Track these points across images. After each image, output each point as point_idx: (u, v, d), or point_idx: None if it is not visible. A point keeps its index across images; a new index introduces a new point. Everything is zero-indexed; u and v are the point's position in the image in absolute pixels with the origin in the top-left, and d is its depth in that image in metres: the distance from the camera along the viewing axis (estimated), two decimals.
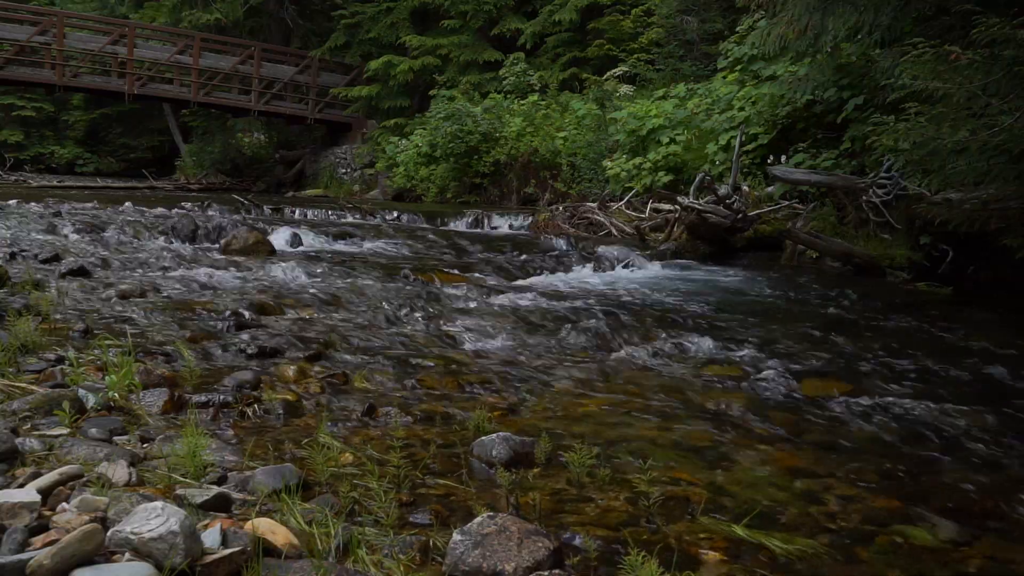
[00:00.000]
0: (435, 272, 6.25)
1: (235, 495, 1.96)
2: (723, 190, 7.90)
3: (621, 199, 10.24)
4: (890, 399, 3.32)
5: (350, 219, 10.84)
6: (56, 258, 5.58)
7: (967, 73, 4.27)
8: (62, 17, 17.86)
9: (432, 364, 3.56)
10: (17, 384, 2.65)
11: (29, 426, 2.32)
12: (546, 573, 1.67)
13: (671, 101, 11.17)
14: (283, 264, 6.10)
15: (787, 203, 8.25)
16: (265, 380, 3.06)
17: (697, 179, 8.18)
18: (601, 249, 7.76)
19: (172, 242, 7.42)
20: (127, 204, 10.05)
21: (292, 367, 3.24)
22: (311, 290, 5.17)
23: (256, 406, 2.77)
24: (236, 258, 6.45)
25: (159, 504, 1.56)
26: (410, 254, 7.65)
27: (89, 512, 1.65)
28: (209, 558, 1.52)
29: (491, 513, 1.83)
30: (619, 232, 9.20)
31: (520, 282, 6.30)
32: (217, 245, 7.30)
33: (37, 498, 1.65)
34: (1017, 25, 4.06)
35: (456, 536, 1.75)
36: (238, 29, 20.99)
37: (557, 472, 2.36)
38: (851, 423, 3.06)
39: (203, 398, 2.77)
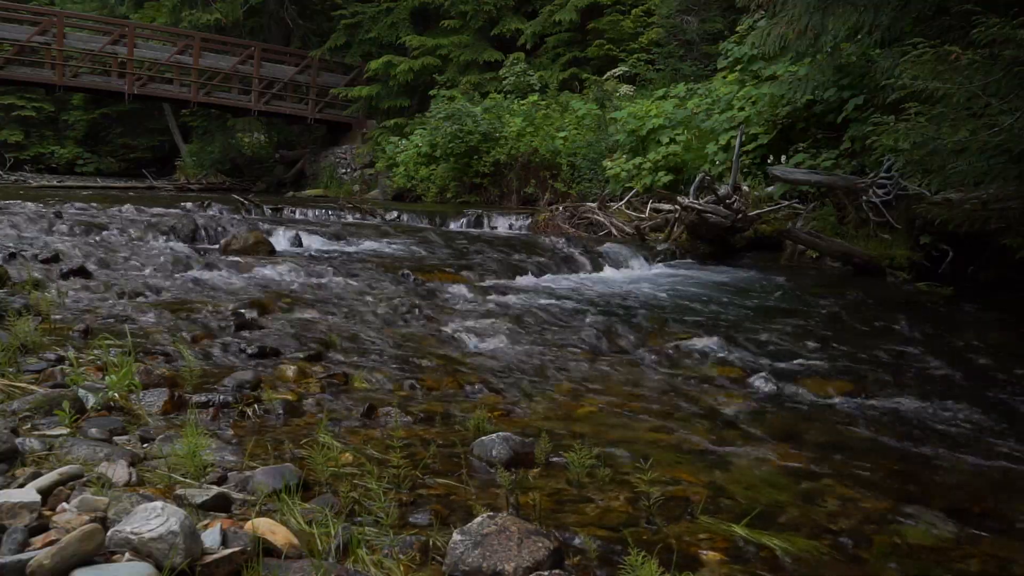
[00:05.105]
0: (435, 272, 6.25)
1: (235, 495, 1.96)
2: (723, 190, 7.90)
3: (621, 199, 10.24)
4: (890, 399, 3.32)
5: (350, 219, 10.84)
6: (56, 258, 5.58)
7: (967, 73, 4.27)
8: (62, 17, 17.86)
9: (432, 364, 3.56)
10: (17, 384, 2.65)
11: (29, 426, 2.32)
12: (546, 573, 1.67)
13: (671, 101, 11.17)
14: (283, 264, 6.10)
15: (787, 203, 8.25)
16: (265, 380, 3.06)
17: (697, 179, 8.18)
18: (601, 249, 7.76)
19: (172, 242, 7.42)
20: (127, 204, 10.05)
21: (292, 367, 3.24)
22: (311, 290, 5.17)
23: (256, 406, 2.77)
24: (236, 258, 6.44)
25: (159, 504, 1.56)
26: (410, 254, 7.65)
27: (89, 512, 1.65)
28: (209, 558, 1.52)
29: (491, 513, 1.83)
30: (619, 232, 9.20)
31: (520, 282, 6.30)
32: (217, 245, 7.29)
33: (37, 498, 1.65)
34: (1017, 25, 4.06)
35: (456, 536, 1.75)
36: (238, 29, 20.98)
37: (557, 472, 2.36)
38: (851, 423, 3.06)
39: (203, 398, 2.77)
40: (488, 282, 6.07)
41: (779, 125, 8.96)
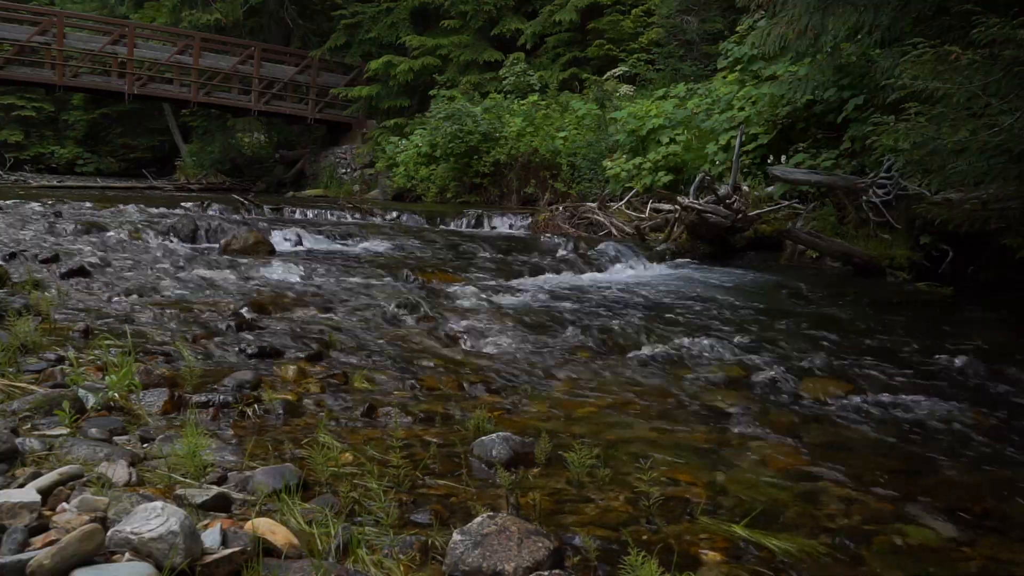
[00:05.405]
0: (435, 272, 6.25)
1: (235, 495, 1.96)
2: (723, 190, 7.90)
3: (621, 199, 10.24)
4: (890, 399, 3.32)
5: (350, 219, 10.84)
6: (56, 258, 5.58)
7: (967, 73, 4.27)
8: (62, 17, 17.86)
9: (432, 364, 3.56)
10: (17, 384, 2.65)
11: (29, 426, 2.32)
12: (546, 573, 1.67)
13: (671, 101, 11.17)
14: (283, 264, 6.10)
15: (787, 203, 8.25)
16: (265, 380, 3.06)
17: (697, 179, 8.18)
18: (601, 249, 7.76)
19: (172, 242, 7.42)
20: (127, 204, 10.04)
21: (292, 367, 3.24)
22: (311, 290, 5.17)
23: (256, 406, 2.76)
24: (236, 258, 6.44)
25: (159, 504, 1.56)
26: (410, 254, 7.65)
27: (89, 512, 1.65)
28: (209, 558, 1.52)
29: (491, 513, 1.83)
30: (619, 232, 9.20)
31: (520, 282, 6.30)
32: (217, 245, 7.30)
33: (37, 498, 1.65)
34: (1017, 25, 4.06)
35: (456, 536, 1.75)
36: (238, 29, 20.98)
37: (557, 472, 2.36)
38: (851, 423, 3.06)
39: (203, 398, 2.77)
40: (488, 282, 6.07)
41: (779, 125, 8.96)
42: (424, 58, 16.73)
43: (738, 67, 10.46)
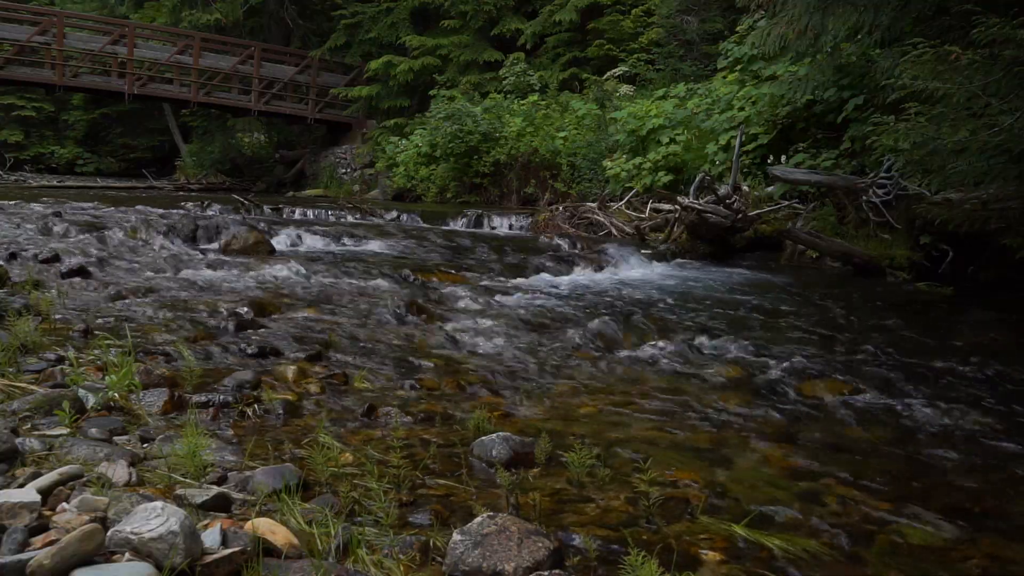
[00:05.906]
0: (435, 272, 6.25)
1: (235, 495, 1.96)
2: (723, 190, 7.90)
3: (621, 199, 10.24)
4: (890, 399, 3.32)
5: (350, 219, 10.84)
6: (56, 258, 5.58)
7: (967, 73, 4.26)
8: (62, 17, 17.86)
9: (432, 364, 3.56)
10: (17, 384, 2.65)
11: (29, 426, 2.32)
12: (546, 573, 1.67)
13: (671, 101, 11.17)
14: (283, 264, 6.10)
15: (787, 203, 8.25)
16: (265, 380, 3.06)
17: (697, 179, 8.18)
18: (601, 249, 7.76)
19: (172, 242, 7.41)
20: (127, 204, 10.04)
21: (292, 367, 3.23)
22: (311, 290, 5.17)
23: (256, 406, 2.76)
24: (236, 258, 6.44)
25: (159, 504, 1.56)
26: (410, 254, 7.65)
27: (89, 512, 1.65)
28: (209, 558, 1.52)
29: (491, 513, 1.83)
30: (619, 232, 9.20)
31: (520, 282, 6.30)
32: (217, 245, 7.29)
33: (37, 498, 1.65)
34: (1017, 25, 4.05)
35: (456, 536, 1.75)
36: (238, 29, 20.98)
37: (557, 472, 2.36)
38: (851, 423, 3.06)
39: (203, 398, 2.77)
40: (488, 282, 6.06)
41: (779, 125, 8.96)
42: (424, 58, 16.72)
43: (738, 67, 10.46)
